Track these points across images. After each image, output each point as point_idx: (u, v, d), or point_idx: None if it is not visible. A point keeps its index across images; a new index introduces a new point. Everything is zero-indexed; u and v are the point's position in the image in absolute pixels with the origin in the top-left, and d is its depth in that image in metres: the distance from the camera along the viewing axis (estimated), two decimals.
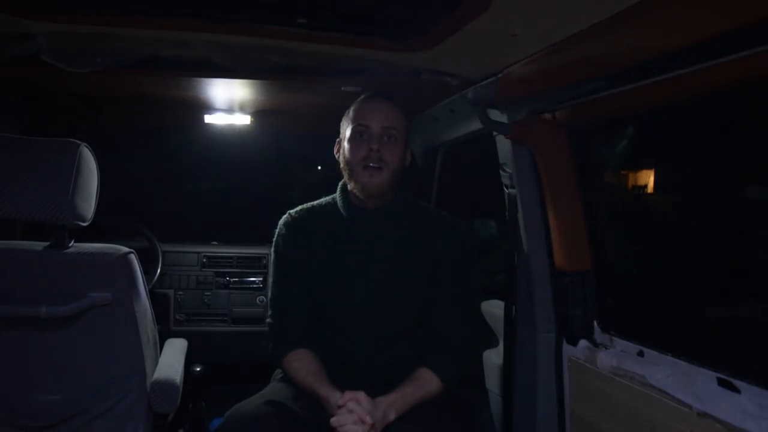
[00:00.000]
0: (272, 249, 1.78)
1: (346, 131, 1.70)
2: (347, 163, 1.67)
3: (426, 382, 1.59)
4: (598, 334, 1.78)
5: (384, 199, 1.72)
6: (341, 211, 1.74)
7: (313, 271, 1.71)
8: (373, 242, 1.71)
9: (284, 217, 1.80)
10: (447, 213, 1.82)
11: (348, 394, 1.49)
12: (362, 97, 1.74)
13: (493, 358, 2.17)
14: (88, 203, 1.64)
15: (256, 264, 3.03)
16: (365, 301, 1.67)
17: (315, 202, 1.82)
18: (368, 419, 1.44)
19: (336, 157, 1.76)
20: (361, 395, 1.48)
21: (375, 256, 1.70)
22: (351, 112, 1.71)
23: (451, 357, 1.66)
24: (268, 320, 1.76)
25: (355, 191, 1.68)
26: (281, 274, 1.75)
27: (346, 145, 1.69)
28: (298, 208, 1.81)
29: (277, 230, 1.78)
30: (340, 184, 1.79)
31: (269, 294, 1.79)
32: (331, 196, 1.80)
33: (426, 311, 1.71)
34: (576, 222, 1.81)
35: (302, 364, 1.64)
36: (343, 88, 1.94)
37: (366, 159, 1.63)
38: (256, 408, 1.54)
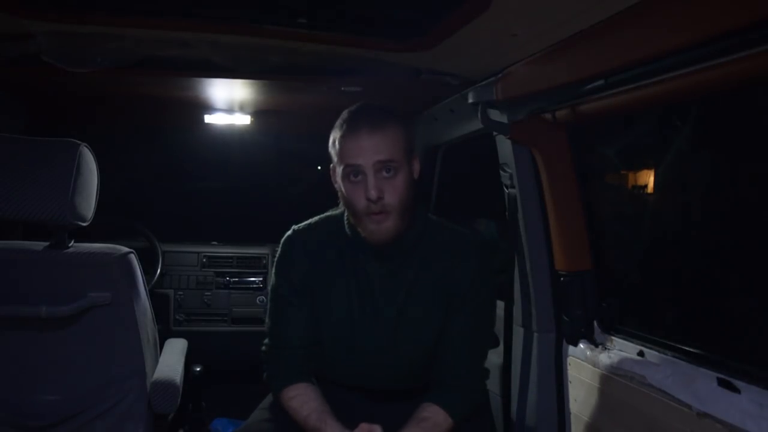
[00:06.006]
0: (274, 269, 1.59)
1: (337, 167, 1.45)
2: (347, 207, 1.47)
3: (437, 425, 1.47)
4: (598, 334, 1.79)
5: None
6: (350, 240, 1.53)
7: (317, 305, 1.55)
8: (386, 280, 1.52)
9: (288, 234, 1.59)
10: (465, 232, 1.60)
11: (364, 426, 1.42)
12: (345, 122, 1.44)
13: (493, 358, 2.17)
14: (88, 203, 1.64)
15: (256, 264, 3.03)
16: (374, 351, 1.53)
17: (320, 219, 1.61)
18: None
19: (334, 185, 1.51)
20: (377, 429, 1.42)
21: (387, 297, 1.52)
22: (336, 144, 1.43)
23: (463, 394, 1.54)
24: (263, 348, 1.60)
25: (362, 234, 1.47)
26: (284, 297, 1.55)
27: (340, 182, 1.45)
28: (304, 225, 1.60)
29: (280, 248, 1.58)
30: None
31: (267, 320, 1.61)
32: (339, 211, 1.58)
33: (437, 344, 1.55)
34: (576, 222, 1.81)
35: (301, 402, 1.50)
36: (343, 88, 1.94)
37: (367, 208, 1.40)
38: None
